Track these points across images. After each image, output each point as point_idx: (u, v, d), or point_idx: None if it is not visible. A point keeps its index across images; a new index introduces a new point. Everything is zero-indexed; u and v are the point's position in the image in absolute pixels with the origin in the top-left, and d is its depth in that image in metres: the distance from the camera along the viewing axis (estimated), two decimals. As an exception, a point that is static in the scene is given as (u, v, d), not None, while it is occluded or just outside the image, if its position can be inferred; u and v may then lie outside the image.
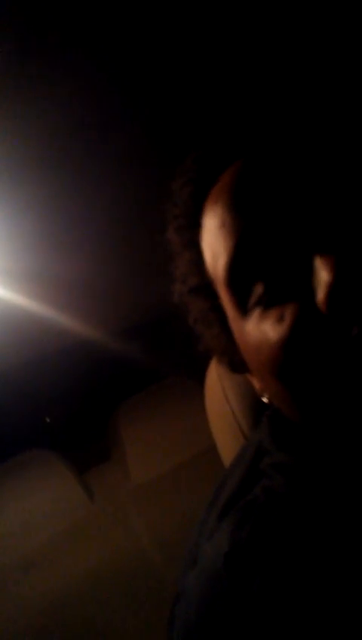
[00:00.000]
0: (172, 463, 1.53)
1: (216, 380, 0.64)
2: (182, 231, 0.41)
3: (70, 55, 0.66)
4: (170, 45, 0.71)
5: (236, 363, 0.41)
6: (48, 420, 1.96)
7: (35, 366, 1.62)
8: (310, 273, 0.29)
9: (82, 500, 1.47)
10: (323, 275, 0.28)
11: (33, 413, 1.91)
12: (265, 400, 0.40)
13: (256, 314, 0.33)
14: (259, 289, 0.33)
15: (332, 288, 0.27)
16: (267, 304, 0.32)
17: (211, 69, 0.77)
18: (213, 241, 0.36)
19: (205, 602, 0.34)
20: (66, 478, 1.48)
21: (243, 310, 0.34)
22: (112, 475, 1.59)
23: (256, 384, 0.41)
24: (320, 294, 0.28)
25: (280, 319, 0.31)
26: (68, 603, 1.23)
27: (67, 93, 0.72)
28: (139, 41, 0.68)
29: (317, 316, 0.29)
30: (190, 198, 0.40)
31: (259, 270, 0.33)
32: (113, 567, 1.30)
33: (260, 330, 0.33)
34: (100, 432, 1.73)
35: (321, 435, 0.33)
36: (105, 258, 1.24)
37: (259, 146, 0.35)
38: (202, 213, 0.38)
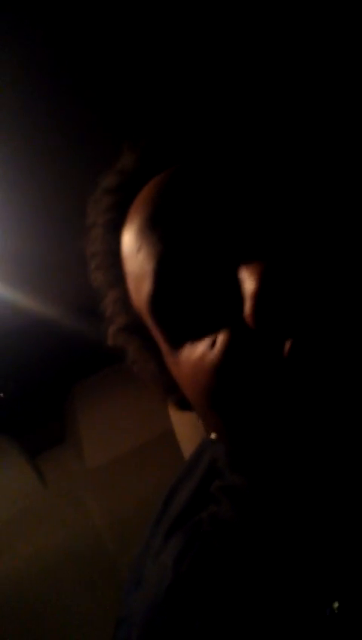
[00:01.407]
0: (128, 446, 1.53)
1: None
2: (104, 269, 0.37)
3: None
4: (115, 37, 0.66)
5: (183, 400, 0.37)
6: (2, 395, 1.90)
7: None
8: (238, 288, 0.26)
9: (35, 484, 1.45)
10: (248, 285, 0.25)
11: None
12: (212, 437, 0.37)
13: (188, 343, 0.29)
14: (187, 315, 0.29)
15: (258, 299, 0.24)
16: (199, 330, 0.29)
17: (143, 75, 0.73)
18: (133, 270, 0.32)
19: (147, 631, 0.33)
20: (19, 463, 1.45)
21: (175, 341, 0.31)
22: (67, 458, 1.57)
23: (202, 421, 0.37)
24: (247, 308, 0.25)
25: (212, 344, 0.28)
26: (22, 586, 1.23)
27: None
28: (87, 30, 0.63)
29: (248, 335, 0.25)
30: (107, 231, 0.36)
31: (185, 295, 0.29)
32: (66, 551, 1.30)
33: (192, 359, 0.29)
34: (56, 414, 1.69)
35: (262, 466, 0.31)
36: (62, 233, 1.19)
37: (168, 167, 0.32)
38: (120, 243, 0.34)
